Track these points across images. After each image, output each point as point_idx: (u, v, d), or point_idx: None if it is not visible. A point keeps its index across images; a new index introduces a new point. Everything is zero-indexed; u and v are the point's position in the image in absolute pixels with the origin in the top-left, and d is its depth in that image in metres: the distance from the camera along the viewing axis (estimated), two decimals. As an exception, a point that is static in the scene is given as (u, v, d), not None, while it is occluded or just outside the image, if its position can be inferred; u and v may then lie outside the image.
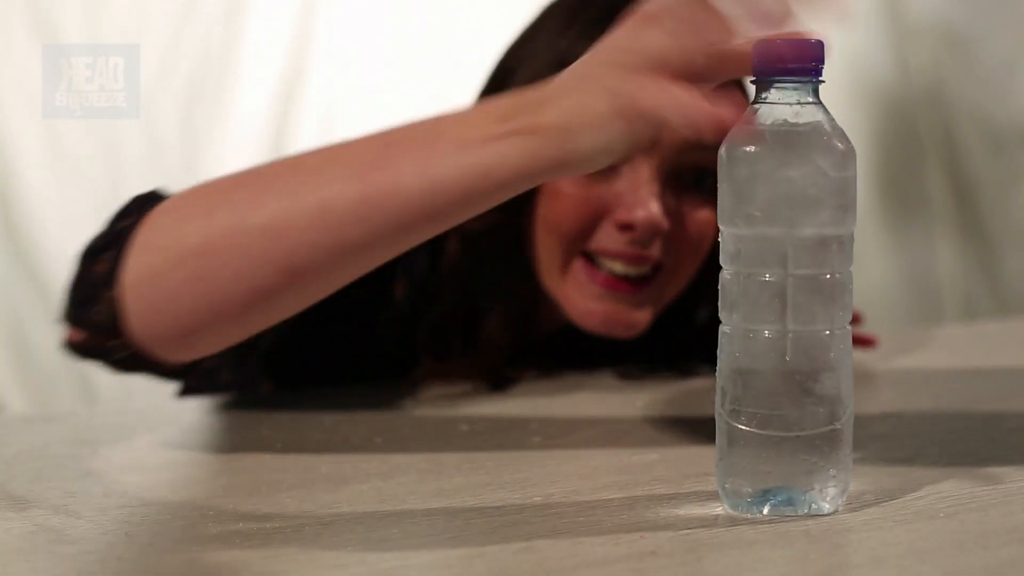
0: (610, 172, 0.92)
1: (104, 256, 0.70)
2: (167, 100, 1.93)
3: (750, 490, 0.59)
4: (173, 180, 0.75)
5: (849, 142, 0.58)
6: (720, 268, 0.61)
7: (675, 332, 1.07)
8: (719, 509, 0.60)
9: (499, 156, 0.63)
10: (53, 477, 0.70)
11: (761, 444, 0.59)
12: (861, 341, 1.08)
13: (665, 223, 0.92)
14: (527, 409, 0.89)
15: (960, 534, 0.56)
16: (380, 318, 0.98)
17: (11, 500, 0.65)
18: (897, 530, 0.57)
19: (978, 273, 2.36)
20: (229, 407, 0.91)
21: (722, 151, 0.59)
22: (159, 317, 0.69)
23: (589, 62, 0.64)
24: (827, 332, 0.59)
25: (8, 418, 1.38)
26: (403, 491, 0.66)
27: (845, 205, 0.58)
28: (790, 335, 0.58)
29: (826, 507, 0.59)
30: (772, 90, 0.59)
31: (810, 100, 0.59)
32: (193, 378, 1.05)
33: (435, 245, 0.97)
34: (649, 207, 0.91)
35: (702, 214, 0.94)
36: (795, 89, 0.58)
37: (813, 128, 0.58)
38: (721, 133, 0.59)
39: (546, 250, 0.96)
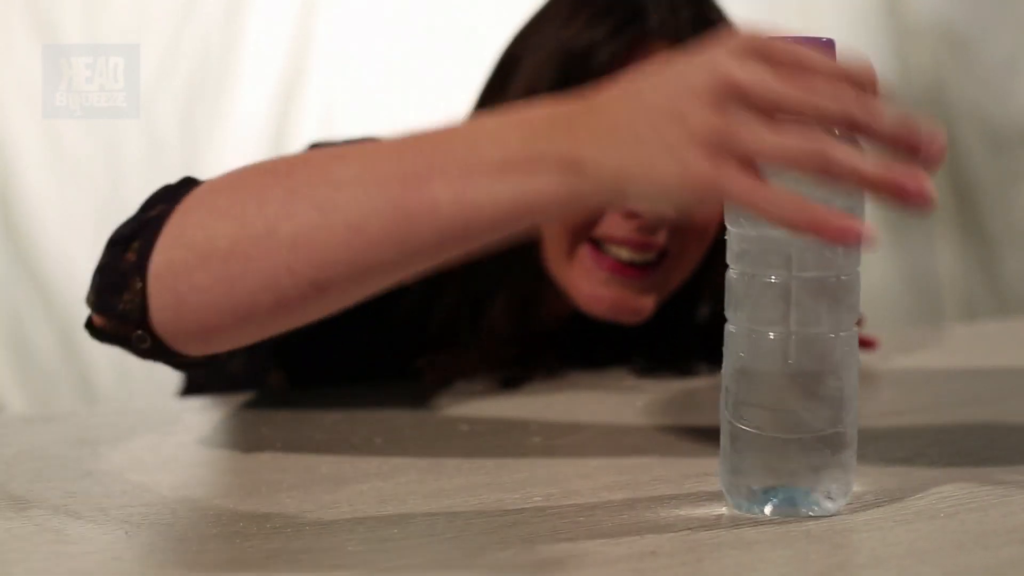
0: None
1: (133, 245, 0.71)
2: (167, 100, 1.93)
3: (753, 490, 0.59)
4: (173, 180, 0.75)
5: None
6: (722, 265, 0.61)
7: (677, 329, 1.08)
8: (719, 509, 0.60)
9: (537, 186, 0.59)
10: (53, 477, 0.70)
11: (764, 445, 0.59)
12: (862, 343, 1.08)
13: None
14: (527, 409, 0.89)
15: (960, 534, 0.56)
16: (392, 304, 0.98)
17: (11, 500, 0.65)
18: (897, 530, 0.57)
19: (978, 273, 2.36)
20: (229, 407, 0.91)
21: None
22: (181, 313, 0.69)
23: (663, 95, 0.56)
24: (832, 334, 0.59)
25: (8, 418, 1.38)
26: (403, 491, 0.66)
27: (851, 207, 0.57)
28: (794, 337, 0.58)
29: (829, 508, 0.59)
30: None
31: None
32: (202, 370, 1.05)
33: None
34: None
35: None
36: None
37: None
38: (823, 233, 0.53)
39: (552, 236, 0.96)
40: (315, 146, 1.01)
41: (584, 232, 0.94)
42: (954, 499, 0.61)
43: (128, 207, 0.75)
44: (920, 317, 2.35)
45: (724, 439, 0.60)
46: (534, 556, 0.54)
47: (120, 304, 0.70)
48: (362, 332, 0.97)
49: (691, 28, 0.96)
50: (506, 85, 1.00)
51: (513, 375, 0.99)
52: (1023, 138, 2.33)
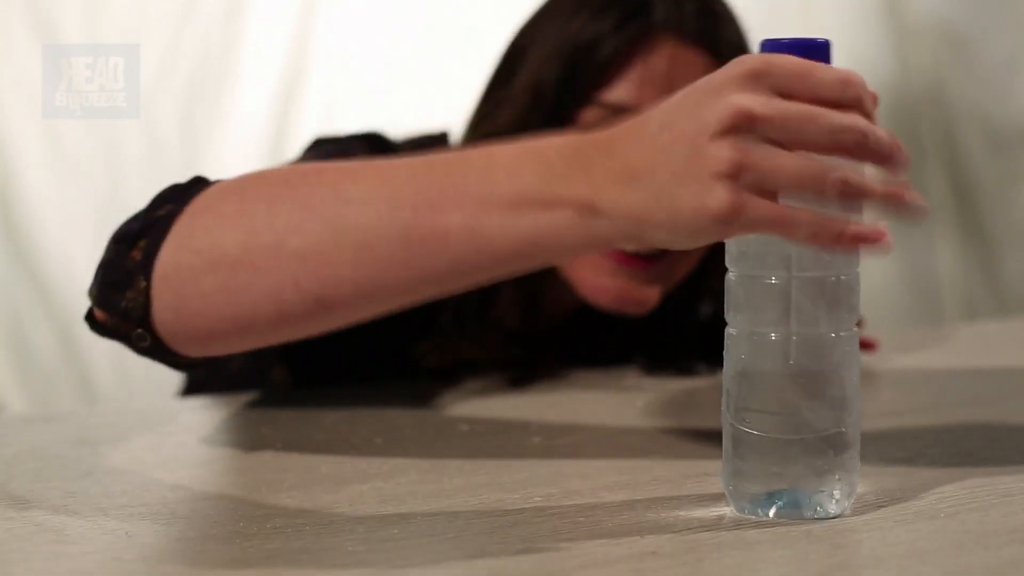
0: None
1: (140, 243, 0.70)
2: (167, 100, 1.93)
3: (756, 492, 0.59)
4: (173, 180, 0.75)
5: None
6: (722, 266, 0.61)
7: (680, 328, 1.08)
8: (720, 510, 0.60)
9: (551, 227, 0.59)
10: (53, 477, 0.70)
11: (767, 447, 0.59)
12: (862, 345, 1.08)
13: None
14: (527, 409, 0.89)
15: (961, 534, 0.56)
16: None
17: (11, 500, 0.65)
18: (898, 530, 0.57)
19: (978, 273, 2.36)
20: (229, 407, 0.91)
21: None
22: (184, 316, 0.69)
23: (677, 133, 0.55)
24: (832, 335, 0.58)
25: (8, 418, 1.38)
26: (403, 491, 0.66)
27: (850, 207, 0.57)
28: (795, 338, 0.58)
29: (832, 510, 0.59)
30: None
31: None
32: (200, 370, 1.05)
33: None
34: None
35: None
36: None
37: None
38: (850, 245, 0.55)
39: (565, 257, 0.96)
40: (319, 142, 1.01)
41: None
42: (954, 499, 0.61)
43: (128, 207, 0.75)
44: (920, 317, 2.34)
45: (726, 442, 0.60)
46: (534, 556, 0.54)
47: (123, 301, 0.70)
48: (367, 327, 0.97)
49: (696, 21, 0.96)
50: (512, 77, 1.00)
51: (519, 374, 0.99)
52: (1023, 138, 2.33)
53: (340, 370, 0.98)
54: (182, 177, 0.74)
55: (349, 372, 0.99)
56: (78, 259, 1.85)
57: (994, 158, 2.33)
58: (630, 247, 0.60)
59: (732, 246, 0.60)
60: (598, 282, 0.96)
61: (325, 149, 0.99)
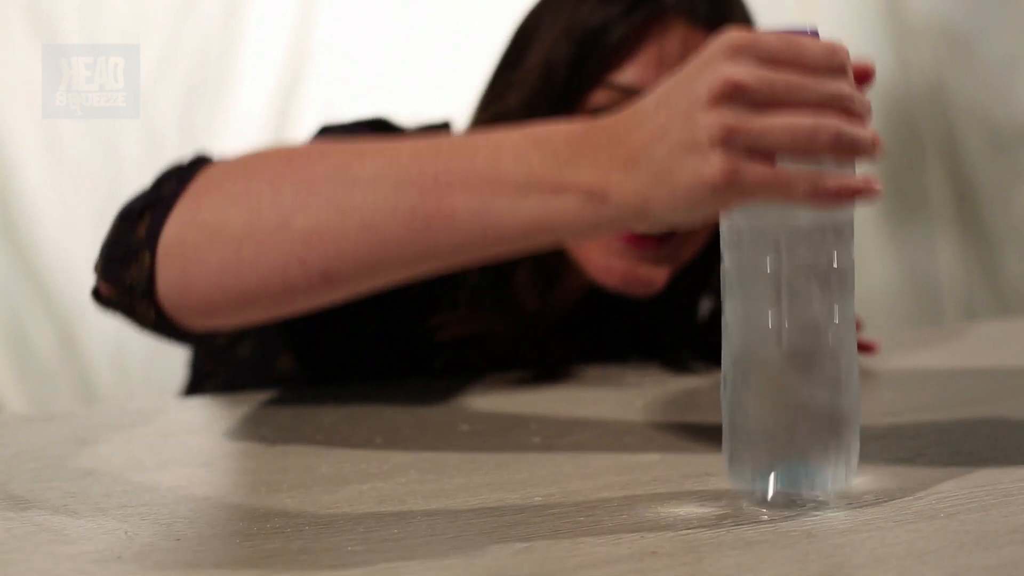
0: None
1: (144, 220, 0.71)
2: (166, 100, 1.93)
3: (755, 473, 0.60)
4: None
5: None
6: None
7: (680, 323, 1.08)
8: (720, 510, 0.60)
9: (559, 212, 0.59)
10: (53, 477, 0.70)
11: (765, 429, 0.59)
12: (862, 347, 1.09)
13: None
14: (527, 409, 0.89)
15: (960, 534, 0.56)
16: (408, 286, 0.98)
17: (11, 500, 0.65)
18: (897, 530, 0.57)
19: (978, 273, 2.36)
20: (229, 407, 0.91)
21: None
22: (188, 290, 0.70)
23: (672, 112, 0.57)
24: (827, 316, 0.59)
25: (8, 418, 1.38)
26: (403, 491, 0.66)
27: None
28: (788, 321, 0.59)
29: (830, 488, 0.60)
30: None
31: None
32: (210, 359, 1.05)
33: None
34: None
35: None
36: None
37: None
38: (846, 200, 0.55)
39: (571, 239, 0.96)
40: (325, 130, 1.01)
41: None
42: (954, 499, 0.61)
43: (128, 207, 0.75)
44: (920, 317, 2.35)
45: (725, 423, 0.61)
46: (534, 556, 0.54)
47: (128, 276, 0.71)
48: (375, 315, 0.97)
49: (706, 4, 0.97)
50: (521, 59, 1.00)
51: (530, 354, 0.99)
52: (1023, 138, 2.33)
53: (348, 359, 0.98)
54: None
55: (357, 361, 0.99)
56: (77, 258, 1.85)
57: (994, 158, 2.33)
58: (639, 230, 0.61)
59: (726, 234, 0.60)
60: (606, 263, 0.96)
61: (332, 136, 0.99)
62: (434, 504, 0.64)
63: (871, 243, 2.26)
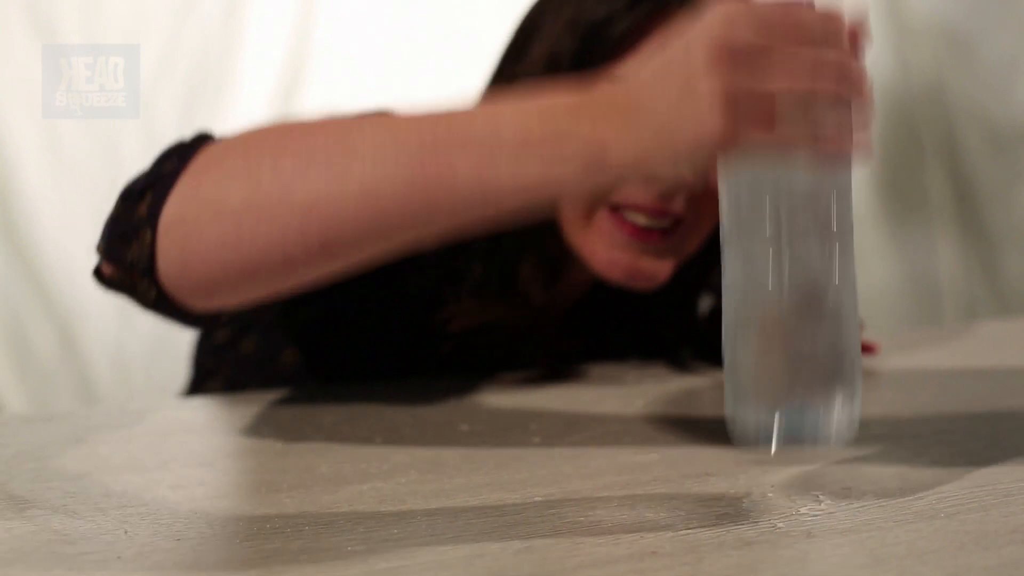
0: None
1: (146, 198, 0.71)
2: (166, 100, 1.93)
3: (757, 419, 0.60)
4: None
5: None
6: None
7: (681, 320, 1.08)
8: (720, 509, 0.60)
9: (559, 172, 0.60)
10: (53, 477, 0.70)
11: (766, 371, 0.60)
12: (862, 348, 1.09)
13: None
14: (527, 409, 0.89)
15: (960, 534, 0.56)
16: (411, 281, 0.98)
17: (11, 500, 0.65)
18: (897, 530, 0.57)
19: (978, 273, 2.36)
20: (229, 407, 0.91)
21: None
22: (189, 266, 0.70)
23: (671, 75, 0.58)
24: (826, 268, 0.60)
25: (8, 418, 1.38)
26: (403, 491, 0.66)
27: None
28: (787, 272, 0.59)
29: (832, 435, 0.60)
30: None
31: None
32: (213, 356, 1.05)
33: None
34: None
35: None
36: None
37: None
38: (841, 152, 0.57)
39: (570, 201, 0.96)
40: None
41: (603, 197, 0.95)
42: (954, 499, 0.61)
43: (128, 207, 0.75)
44: (920, 317, 2.35)
45: (727, 369, 0.62)
46: (534, 556, 0.54)
47: (129, 254, 0.71)
48: (381, 309, 0.97)
49: None
50: (525, 52, 1.00)
51: (537, 350, 0.99)
52: (1023, 138, 2.33)
53: (353, 353, 0.98)
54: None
55: (362, 356, 0.99)
56: (77, 258, 1.85)
57: (994, 158, 2.33)
58: (636, 183, 0.61)
59: (724, 189, 0.62)
60: (609, 256, 0.96)
61: None
62: (434, 504, 0.64)
63: (871, 243, 2.26)
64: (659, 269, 0.97)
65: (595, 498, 0.63)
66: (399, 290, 0.98)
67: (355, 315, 0.96)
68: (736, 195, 0.61)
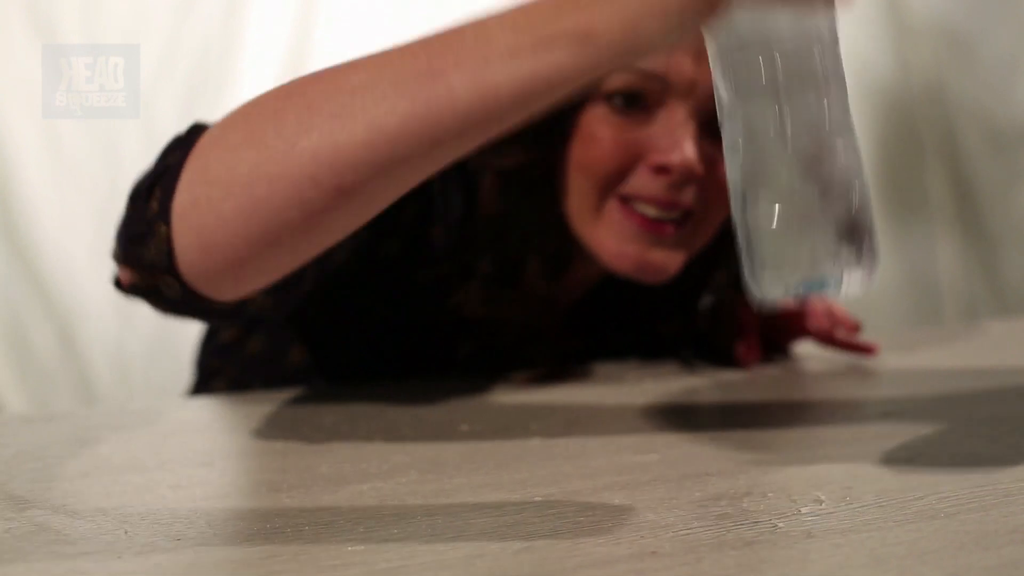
0: (645, 115, 0.92)
1: (155, 193, 0.71)
2: (166, 100, 1.93)
3: (775, 279, 0.61)
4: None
5: None
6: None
7: (683, 319, 1.08)
8: (720, 509, 0.60)
9: (553, 62, 0.61)
10: (53, 477, 0.70)
11: (779, 236, 0.60)
12: (861, 349, 1.09)
13: (700, 167, 0.92)
14: (527, 409, 0.89)
15: (960, 534, 0.56)
16: (419, 276, 0.98)
17: (11, 500, 0.65)
18: (897, 530, 0.57)
19: (979, 273, 2.36)
20: (229, 407, 0.91)
21: None
22: (209, 250, 0.69)
23: None
24: (820, 97, 0.60)
25: (8, 418, 1.38)
26: (403, 491, 0.66)
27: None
28: (789, 127, 0.60)
29: (848, 288, 0.61)
30: None
31: None
32: (218, 356, 1.04)
33: (470, 185, 0.97)
34: (685, 149, 0.91)
35: None
36: None
37: None
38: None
39: (579, 192, 0.96)
40: None
41: (612, 189, 0.94)
42: (954, 499, 0.61)
43: (128, 207, 0.75)
44: (920, 317, 2.35)
45: (740, 234, 0.62)
46: (534, 556, 0.54)
47: (147, 254, 0.70)
48: (388, 306, 0.97)
49: None
50: None
51: (550, 360, 0.99)
52: (1023, 138, 2.33)
53: (359, 351, 0.98)
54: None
55: (368, 353, 0.98)
56: (77, 258, 1.85)
57: (994, 158, 2.34)
58: (632, 67, 0.61)
59: (716, 56, 0.62)
60: (619, 248, 0.95)
61: None
62: (434, 504, 0.64)
63: (871, 243, 2.26)
64: (669, 262, 0.96)
65: (595, 498, 0.63)
66: (406, 287, 0.98)
67: (362, 312, 0.96)
68: (727, 56, 0.61)
